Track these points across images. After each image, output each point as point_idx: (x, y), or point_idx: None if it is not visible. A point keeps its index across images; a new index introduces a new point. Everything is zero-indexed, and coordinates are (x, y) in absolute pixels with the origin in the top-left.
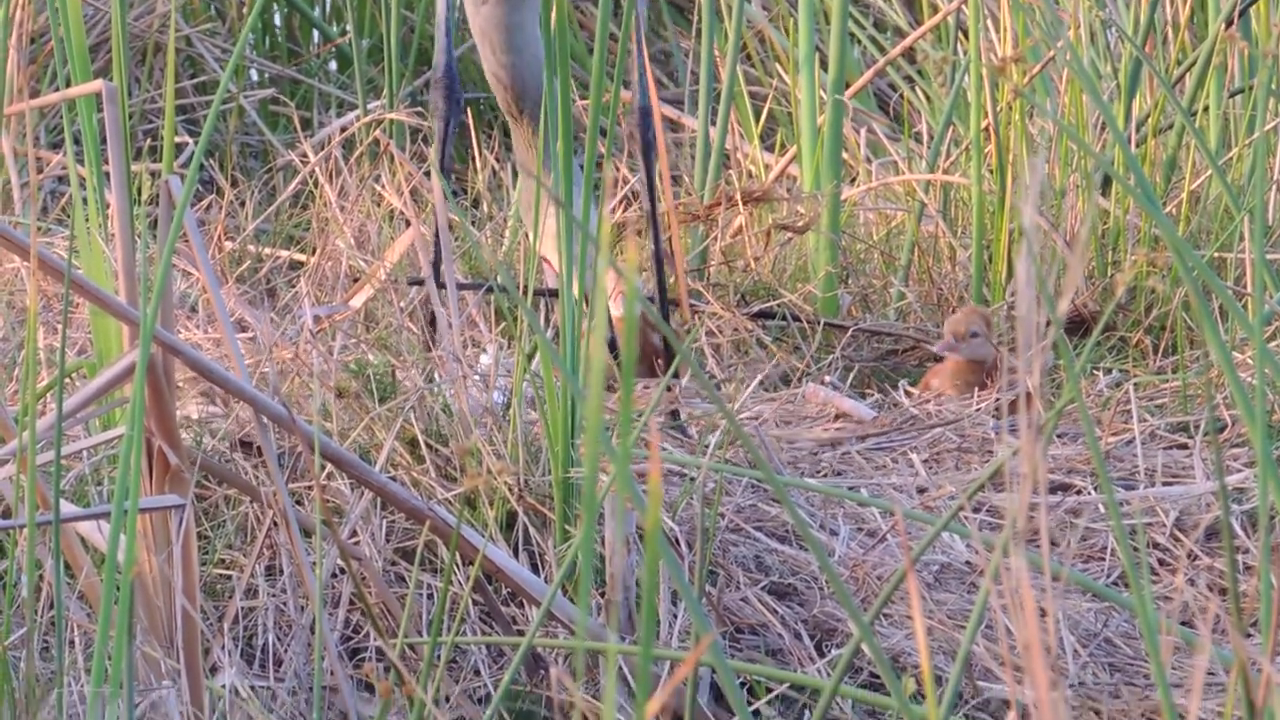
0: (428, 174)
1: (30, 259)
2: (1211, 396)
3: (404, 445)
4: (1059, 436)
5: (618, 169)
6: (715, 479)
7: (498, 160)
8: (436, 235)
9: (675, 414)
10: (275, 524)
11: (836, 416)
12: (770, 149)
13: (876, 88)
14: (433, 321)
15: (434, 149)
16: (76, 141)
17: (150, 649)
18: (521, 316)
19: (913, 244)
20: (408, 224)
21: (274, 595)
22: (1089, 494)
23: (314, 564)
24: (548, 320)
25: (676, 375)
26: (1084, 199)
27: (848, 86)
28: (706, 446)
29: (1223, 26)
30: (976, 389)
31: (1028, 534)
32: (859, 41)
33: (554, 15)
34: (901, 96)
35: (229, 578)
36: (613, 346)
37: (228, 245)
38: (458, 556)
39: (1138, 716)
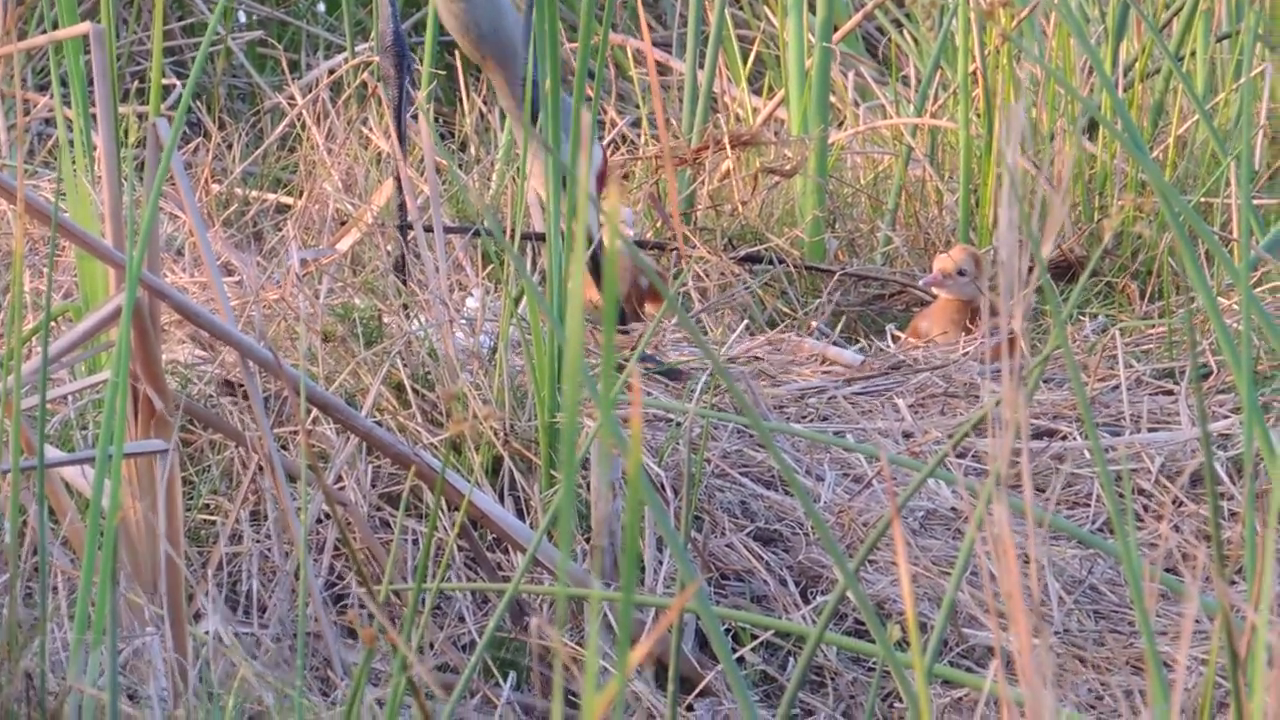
0: (415, 117)
1: (17, 202)
2: (1196, 342)
3: (390, 390)
4: (1045, 381)
5: (605, 111)
6: (701, 424)
7: (485, 103)
8: (400, 190)
9: (650, 359)
10: (260, 469)
11: (823, 361)
12: (758, 93)
13: (864, 31)
14: (400, 266)
15: (389, 116)
16: (63, 84)
17: (134, 595)
18: (508, 260)
19: (900, 188)
20: (394, 167)
21: (258, 541)
22: (1074, 439)
23: (299, 509)
24: (534, 264)
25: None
26: (1070, 143)
27: (836, 30)
28: (692, 391)
29: None
30: (964, 330)
31: (1012, 480)
32: None
33: None
34: (889, 40)
35: (213, 523)
36: (597, 268)
37: (214, 188)
38: (443, 502)
39: (1122, 664)
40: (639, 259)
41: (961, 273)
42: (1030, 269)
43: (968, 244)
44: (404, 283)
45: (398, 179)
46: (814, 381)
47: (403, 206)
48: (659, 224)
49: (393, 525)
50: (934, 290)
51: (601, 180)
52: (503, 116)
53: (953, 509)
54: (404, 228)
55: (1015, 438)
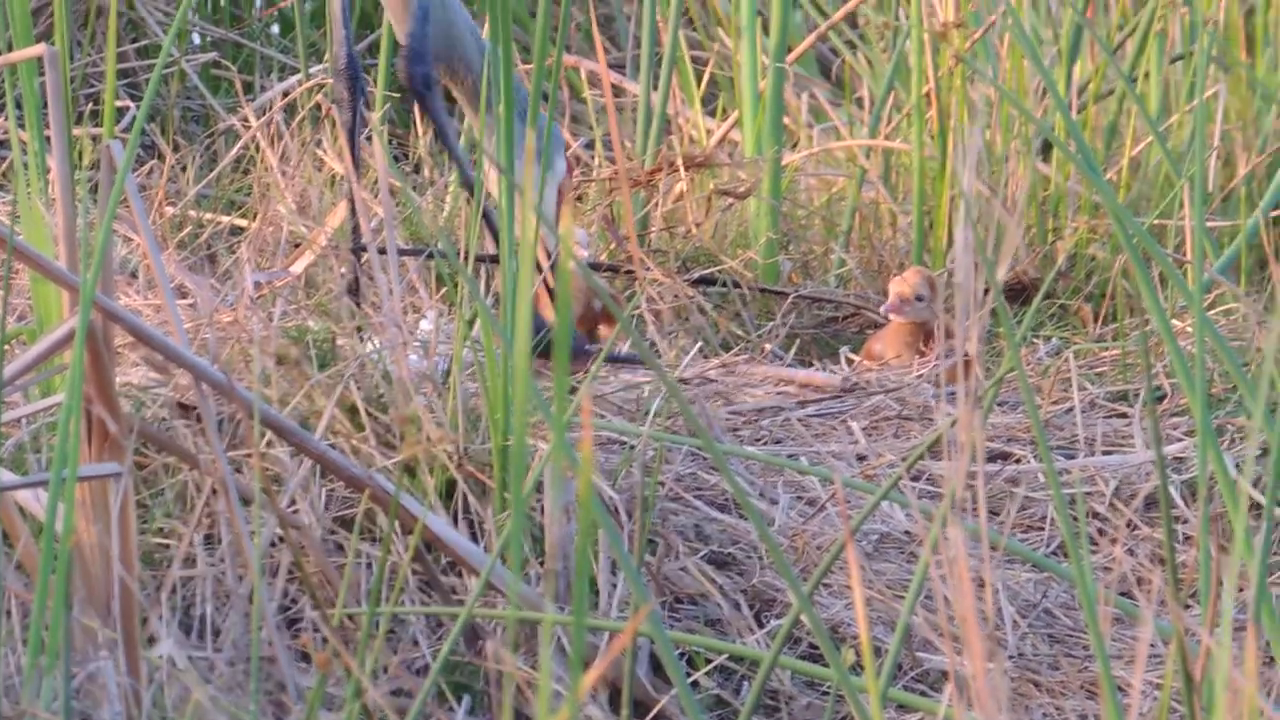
0: (369, 138)
1: None
2: (1151, 365)
3: (344, 413)
4: (999, 405)
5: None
6: (655, 447)
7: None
8: (353, 212)
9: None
10: (214, 492)
11: (778, 383)
12: (712, 114)
13: (818, 53)
14: (353, 288)
15: (343, 139)
16: (18, 106)
17: (88, 619)
18: (462, 283)
19: (854, 210)
20: (349, 190)
21: (212, 565)
22: (1029, 463)
23: (253, 533)
24: (488, 287)
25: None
26: (1024, 165)
27: (789, 51)
28: (646, 414)
29: None
30: (918, 353)
31: (967, 503)
32: (801, 6)
33: None
34: (843, 62)
35: (167, 547)
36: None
37: (169, 210)
38: (397, 525)
39: (1077, 688)
40: (592, 281)
41: (919, 298)
42: (985, 291)
43: (921, 266)
44: (358, 305)
45: (351, 201)
46: (768, 403)
47: (356, 229)
48: (613, 246)
49: (347, 549)
50: (893, 316)
51: (562, 195)
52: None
53: (907, 532)
54: (358, 250)
55: (970, 461)
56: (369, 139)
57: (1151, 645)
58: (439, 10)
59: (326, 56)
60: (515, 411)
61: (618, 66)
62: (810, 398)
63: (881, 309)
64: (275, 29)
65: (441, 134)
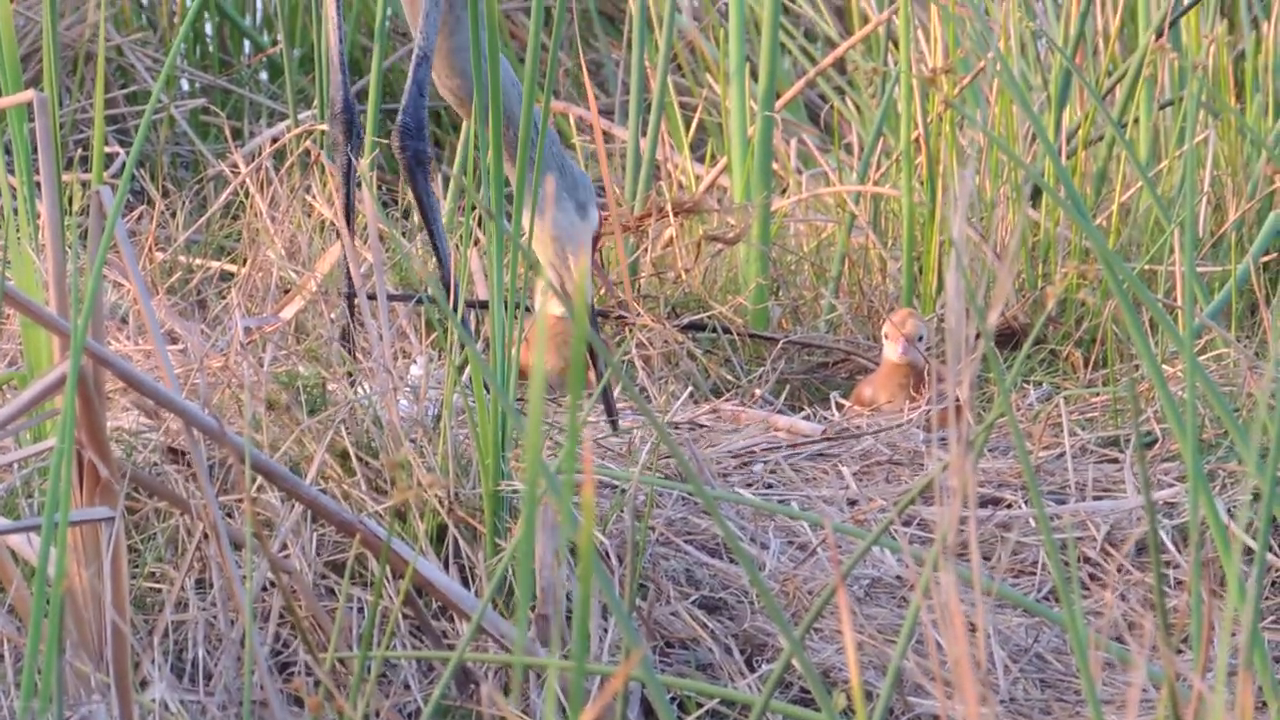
0: (359, 184)
1: None
2: (1141, 410)
3: (335, 458)
4: (989, 450)
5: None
6: (646, 491)
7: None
8: (345, 257)
9: (614, 423)
10: (206, 537)
11: (768, 429)
12: (701, 160)
13: (807, 98)
14: (345, 334)
15: (338, 185)
16: (7, 151)
17: (80, 663)
18: (452, 328)
19: (843, 256)
20: (338, 234)
21: (204, 609)
22: (1020, 508)
23: (244, 577)
24: (478, 332)
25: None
26: (1014, 211)
27: (778, 97)
28: (637, 459)
29: (1153, 38)
30: (909, 397)
31: (958, 548)
32: (789, 52)
33: (484, 25)
34: (832, 107)
35: (159, 591)
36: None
37: (159, 256)
38: (388, 570)
39: None
40: (580, 325)
41: (921, 337)
42: (975, 337)
43: (909, 308)
44: (349, 350)
45: (344, 248)
46: (759, 446)
47: (348, 273)
48: (603, 291)
49: (338, 593)
50: (900, 359)
51: (596, 242)
52: (445, 182)
53: (898, 577)
54: (349, 295)
55: (961, 506)
56: (359, 185)
57: (1143, 690)
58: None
59: (315, 102)
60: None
61: (606, 112)
62: (799, 442)
63: (897, 355)
64: (264, 75)
65: (426, 216)
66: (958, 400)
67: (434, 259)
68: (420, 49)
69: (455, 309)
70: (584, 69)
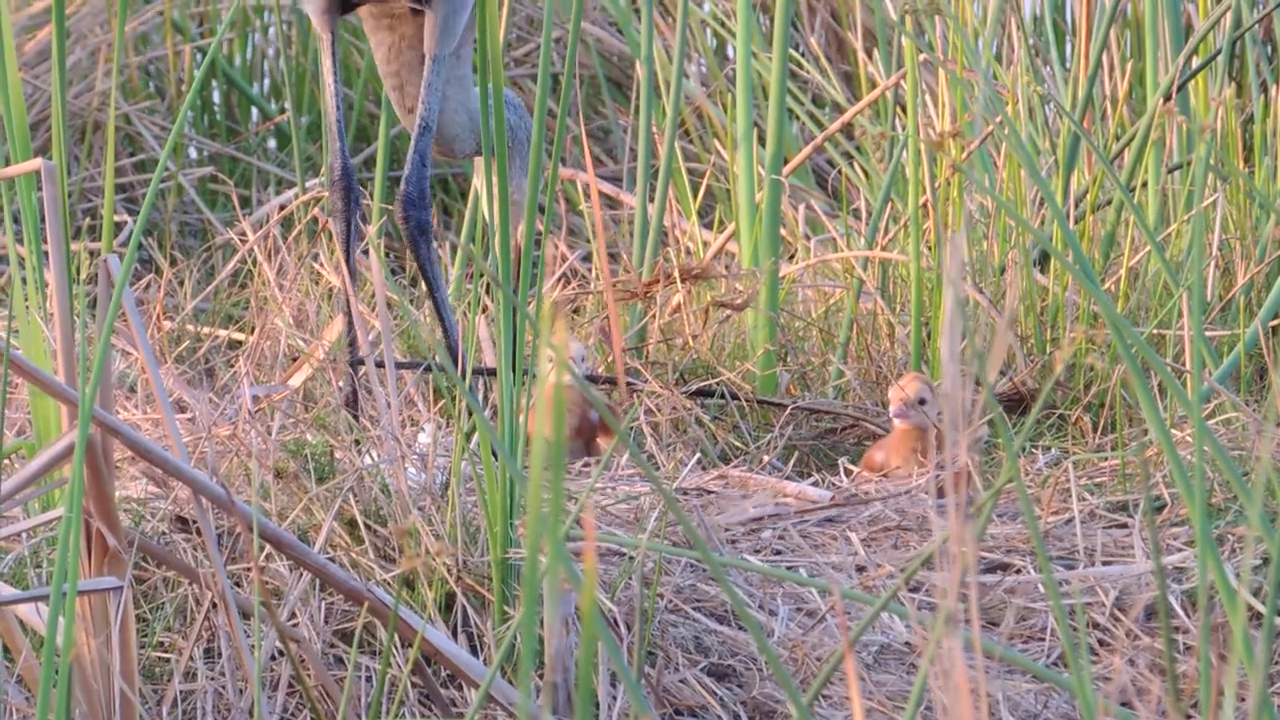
0: (365, 252)
1: None
2: (1150, 475)
3: (343, 526)
4: (998, 515)
5: (556, 246)
6: (654, 559)
7: (435, 238)
8: (350, 325)
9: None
10: (214, 606)
11: (776, 496)
12: (708, 226)
13: (815, 164)
14: (351, 401)
15: (338, 249)
16: (16, 220)
17: None
18: (459, 396)
19: (851, 321)
20: (345, 302)
21: (213, 678)
22: (1028, 573)
23: (253, 646)
24: (486, 399)
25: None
26: (1022, 275)
27: (786, 162)
28: (645, 525)
29: (1161, 102)
30: (919, 462)
31: (965, 614)
32: (797, 117)
33: (490, 91)
34: (840, 172)
35: (168, 660)
36: None
37: (166, 324)
38: (396, 638)
39: None
40: (589, 394)
41: (921, 400)
42: (981, 401)
43: (918, 372)
44: (356, 418)
45: (348, 312)
46: (767, 512)
47: (354, 341)
48: (611, 358)
49: (347, 661)
50: (899, 421)
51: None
52: (453, 250)
53: (907, 643)
54: (356, 363)
55: (969, 571)
56: (365, 252)
57: None
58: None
59: (322, 170)
60: (529, 527)
61: (614, 179)
62: (808, 508)
63: (892, 414)
64: (272, 143)
65: (430, 284)
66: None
67: (439, 327)
68: (423, 119)
69: (463, 376)
70: (584, 134)
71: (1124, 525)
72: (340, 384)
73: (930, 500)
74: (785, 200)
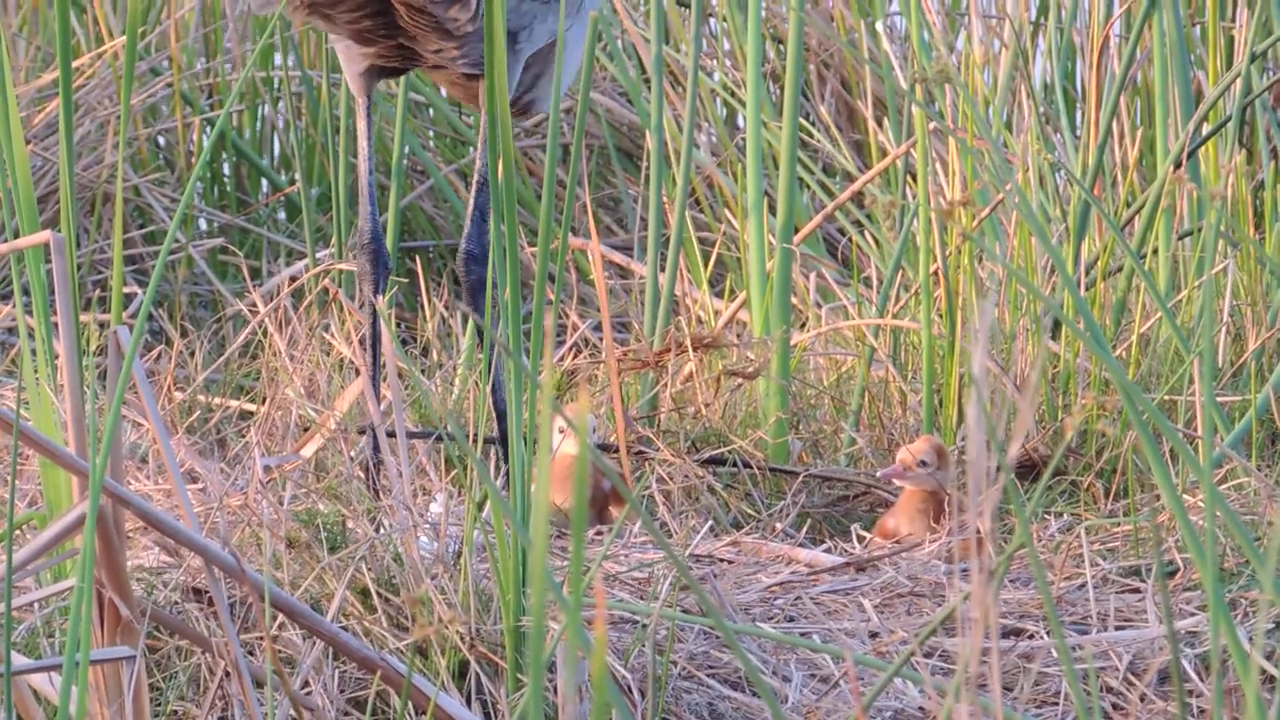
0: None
1: None
2: (1162, 540)
3: (355, 595)
4: (1010, 580)
5: (566, 315)
6: (667, 626)
7: (446, 308)
8: (376, 390)
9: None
10: (227, 675)
11: (788, 563)
12: (719, 294)
13: (825, 232)
14: (376, 467)
15: (365, 312)
16: (25, 292)
17: None
18: (471, 465)
19: (863, 389)
20: (357, 372)
21: None
22: (1042, 638)
23: (266, 715)
24: (498, 469)
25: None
26: (1034, 343)
27: (797, 231)
28: (657, 595)
29: (1171, 169)
30: (929, 527)
31: (980, 680)
32: (807, 186)
33: (501, 162)
34: (850, 241)
35: None
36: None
37: (177, 395)
38: (410, 706)
39: None
40: (602, 463)
41: (922, 463)
42: (996, 469)
43: (930, 436)
44: (378, 476)
45: (374, 373)
46: (780, 579)
47: (377, 395)
48: (624, 428)
49: None
50: (894, 481)
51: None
52: (464, 320)
53: (920, 708)
54: (372, 430)
55: (984, 637)
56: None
57: None
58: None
59: (333, 241)
60: (534, 594)
61: (625, 248)
62: (822, 576)
63: (879, 474)
64: (282, 214)
65: (482, 337)
66: (978, 531)
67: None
68: (480, 175)
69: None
70: (588, 203)
71: (1137, 590)
72: (353, 454)
73: (944, 566)
74: (796, 269)
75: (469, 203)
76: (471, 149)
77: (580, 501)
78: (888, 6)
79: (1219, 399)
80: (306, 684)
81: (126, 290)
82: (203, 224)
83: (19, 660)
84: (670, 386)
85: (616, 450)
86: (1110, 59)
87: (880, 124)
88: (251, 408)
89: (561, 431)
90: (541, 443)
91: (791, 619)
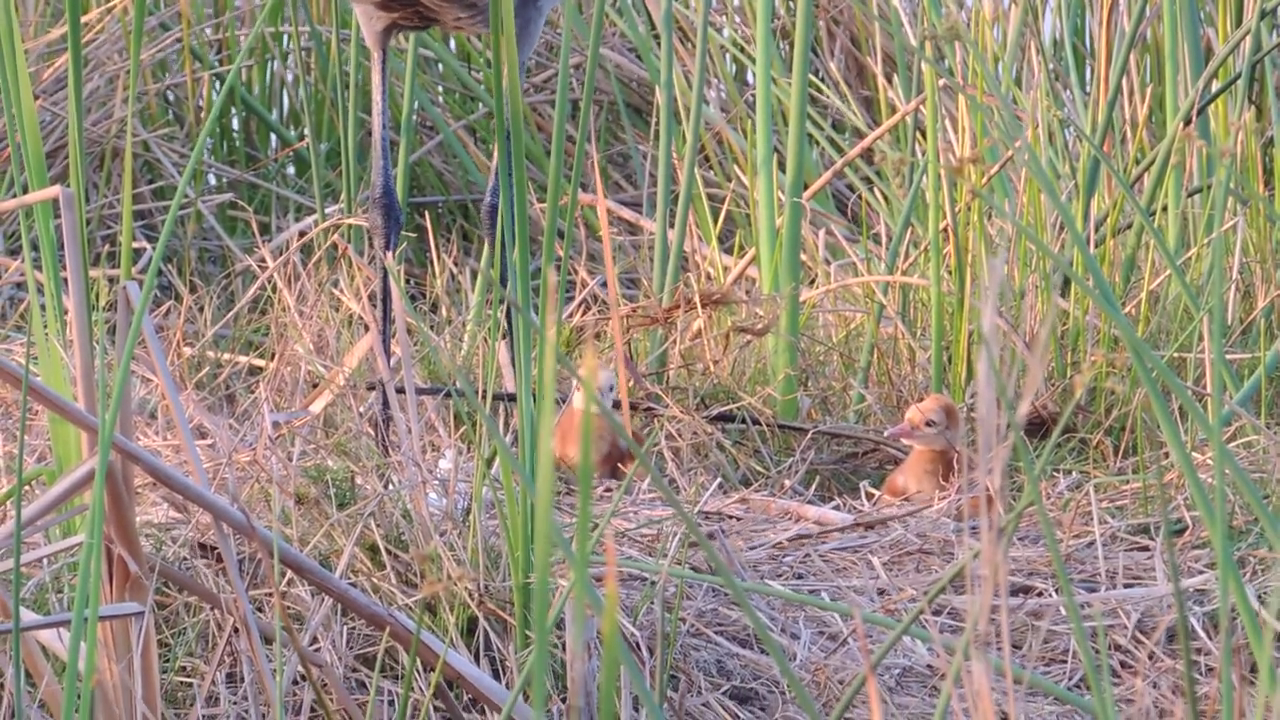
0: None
1: None
2: (1171, 498)
3: (364, 551)
4: (1019, 539)
5: (575, 271)
6: (676, 583)
7: (455, 264)
8: (385, 346)
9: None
10: (236, 631)
11: (797, 520)
12: (729, 251)
13: (835, 189)
14: (385, 423)
15: (378, 253)
16: (34, 248)
17: None
18: (480, 421)
19: (872, 346)
20: (366, 328)
21: (235, 703)
22: (1050, 596)
23: (275, 671)
24: (506, 425)
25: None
26: (1043, 300)
27: (806, 188)
28: (666, 552)
29: (1181, 126)
30: (938, 484)
31: (988, 637)
32: (817, 143)
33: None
34: (860, 197)
35: (190, 685)
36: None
37: (186, 351)
38: (418, 663)
39: None
40: (612, 420)
41: (930, 423)
42: (1005, 426)
43: (940, 395)
44: (383, 446)
45: (384, 337)
46: (788, 536)
47: (387, 351)
48: (631, 384)
49: (369, 686)
50: (902, 440)
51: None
52: (473, 276)
53: (929, 666)
54: (383, 385)
55: (993, 594)
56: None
57: None
58: None
59: (342, 196)
60: (538, 549)
61: (634, 204)
62: (830, 533)
63: (887, 433)
64: (291, 169)
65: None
66: (988, 489)
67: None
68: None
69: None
70: (594, 161)
71: (1145, 548)
72: (362, 410)
73: (953, 524)
74: (805, 225)
75: (494, 159)
76: (480, 104)
77: (586, 458)
78: None
79: (1228, 356)
80: (315, 640)
81: (136, 245)
82: (212, 179)
83: (28, 616)
84: (679, 343)
85: (631, 408)
86: (1120, 15)
87: (890, 80)
88: (260, 363)
89: (578, 388)
90: (546, 398)
91: (800, 576)
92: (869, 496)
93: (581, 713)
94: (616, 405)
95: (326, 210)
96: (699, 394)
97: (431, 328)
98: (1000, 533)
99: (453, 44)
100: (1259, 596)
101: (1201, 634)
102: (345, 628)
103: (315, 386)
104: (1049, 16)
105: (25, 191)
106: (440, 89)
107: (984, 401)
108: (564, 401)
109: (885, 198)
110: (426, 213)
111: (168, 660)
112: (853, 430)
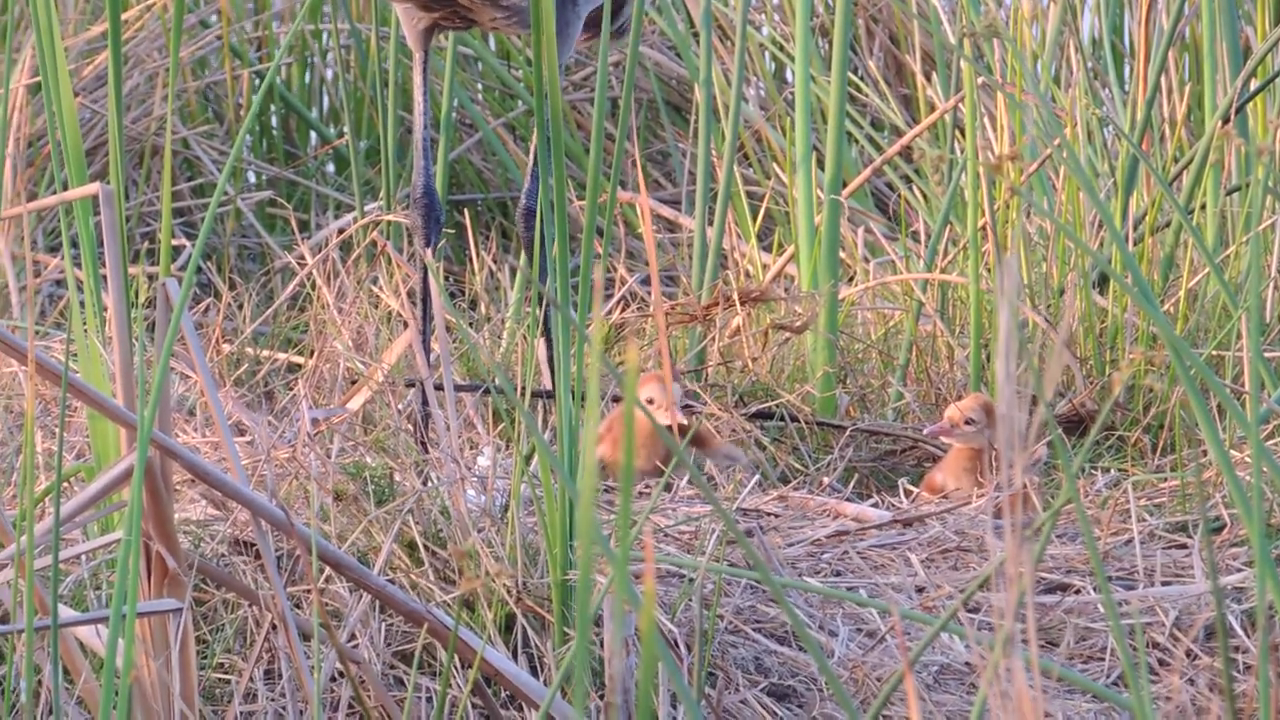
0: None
1: (28, 363)
2: (1209, 496)
3: (402, 548)
4: (1057, 536)
5: (614, 269)
6: (714, 580)
7: (495, 261)
8: (425, 343)
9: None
10: (274, 627)
11: (835, 517)
12: (768, 249)
13: (874, 187)
14: (424, 420)
15: (416, 268)
16: (74, 244)
17: None
18: (519, 418)
19: (910, 343)
20: (405, 325)
21: (273, 699)
22: (1088, 593)
23: (313, 668)
24: (545, 422)
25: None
26: (1081, 296)
27: (845, 185)
28: (704, 549)
29: (1219, 124)
30: (976, 482)
31: (1025, 634)
32: (856, 140)
33: (549, 115)
34: (899, 195)
35: (228, 682)
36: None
37: (225, 348)
38: (456, 659)
39: None
40: (656, 425)
41: (970, 421)
42: (1041, 424)
43: (980, 394)
44: (422, 443)
45: (423, 334)
46: (827, 533)
47: (426, 348)
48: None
49: (407, 683)
50: (941, 439)
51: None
52: (512, 273)
53: (966, 663)
54: (422, 383)
55: (1028, 592)
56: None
57: None
58: None
59: (381, 194)
60: (580, 546)
61: (673, 202)
62: (869, 530)
63: (925, 431)
64: (330, 167)
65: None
66: (1024, 486)
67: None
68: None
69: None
70: (637, 158)
71: (1183, 546)
72: (401, 407)
73: (989, 521)
74: (844, 223)
75: (530, 161)
76: (520, 102)
77: (629, 453)
78: None
79: (1267, 354)
80: (353, 637)
81: (175, 243)
82: (251, 176)
83: (66, 613)
84: (718, 340)
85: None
86: (1159, 14)
87: (929, 78)
88: (299, 360)
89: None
90: (590, 396)
91: (838, 573)
92: (907, 494)
93: (619, 710)
94: (650, 401)
95: (366, 207)
96: (737, 391)
97: (470, 325)
98: (1033, 530)
99: (492, 42)
100: None
101: (1239, 631)
102: (383, 624)
103: (354, 383)
104: (1088, 15)
105: (65, 188)
106: (480, 86)
107: (1003, 399)
108: (616, 401)
109: (924, 195)
110: (466, 210)
111: (205, 657)
112: (891, 428)
